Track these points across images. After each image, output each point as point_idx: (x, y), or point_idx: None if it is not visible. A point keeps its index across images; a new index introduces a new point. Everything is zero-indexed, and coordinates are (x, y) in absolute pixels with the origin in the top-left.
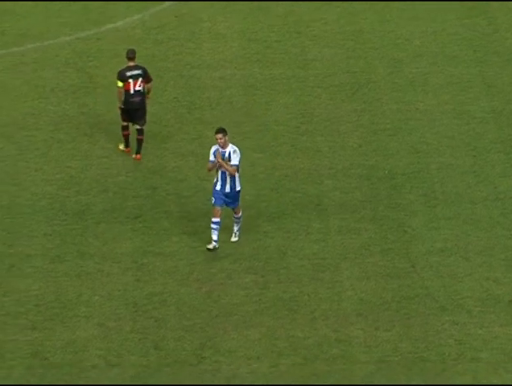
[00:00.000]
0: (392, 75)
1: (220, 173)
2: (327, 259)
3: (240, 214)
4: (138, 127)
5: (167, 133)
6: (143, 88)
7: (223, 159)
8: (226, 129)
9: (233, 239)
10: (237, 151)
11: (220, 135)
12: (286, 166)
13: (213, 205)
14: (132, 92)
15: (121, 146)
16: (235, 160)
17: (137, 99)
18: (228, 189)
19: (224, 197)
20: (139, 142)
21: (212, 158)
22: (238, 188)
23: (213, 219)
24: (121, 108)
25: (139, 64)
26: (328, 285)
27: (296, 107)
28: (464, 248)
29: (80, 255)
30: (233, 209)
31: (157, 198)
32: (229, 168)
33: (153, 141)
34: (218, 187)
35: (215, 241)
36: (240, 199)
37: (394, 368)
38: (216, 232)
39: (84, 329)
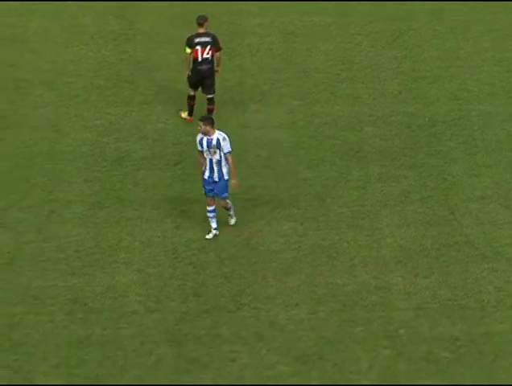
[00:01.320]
0: (433, 22)
1: (208, 160)
2: (366, 206)
3: (229, 205)
4: (208, 96)
5: None
6: (212, 56)
7: (210, 146)
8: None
9: (231, 221)
10: (227, 137)
11: (201, 123)
12: (326, 113)
13: (204, 195)
14: (200, 59)
15: (184, 114)
16: (226, 147)
17: (205, 67)
18: (216, 178)
19: (212, 186)
20: (210, 112)
21: (198, 147)
22: (226, 177)
23: (208, 208)
24: (188, 76)
25: (209, 32)
26: (367, 233)
27: (336, 54)
28: (504, 195)
29: (119, 201)
30: (220, 200)
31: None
32: (233, 170)
33: None
34: (206, 175)
35: (215, 229)
36: (228, 190)
37: (432, 315)
38: (214, 220)
39: (123, 275)
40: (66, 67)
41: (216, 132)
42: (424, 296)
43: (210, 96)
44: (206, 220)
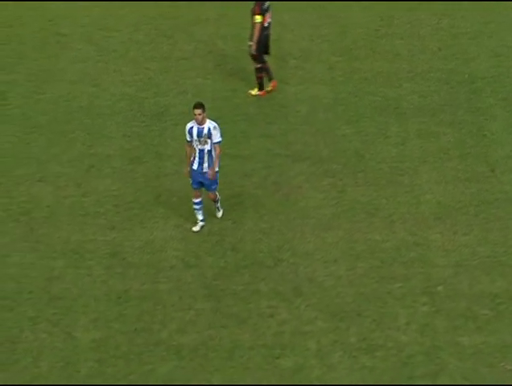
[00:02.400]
0: None
1: (198, 150)
2: (405, 162)
3: (217, 198)
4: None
5: (246, 35)
6: (269, 21)
7: (201, 136)
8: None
9: (219, 214)
10: (217, 126)
11: (199, 110)
12: (365, 69)
13: (192, 187)
14: (266, 24)
15: (255, 91)
16: (217, 137)
17: (268, 32)
18: (206, 168)
19: (200, 177)
20: (259, 80)
21: (187, 137)
22: (216, 169)
23: (194, 200)
24: (258, 46)
25: None
26: (406, 189)
27: (376, 10)
28: None
29: (158, 156)
30: (209, 192)
31: (236, 100)
32: (217, 160)
33: (231, 43)
34: (195, 166)
35: (201, 221)
36: (218, 181)
37: (471, 272)
38: (200, 212)
39: (162, 230)
40: (105, 22)
41: (207, 121)
42: (463, 253)
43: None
44: (245, 174)
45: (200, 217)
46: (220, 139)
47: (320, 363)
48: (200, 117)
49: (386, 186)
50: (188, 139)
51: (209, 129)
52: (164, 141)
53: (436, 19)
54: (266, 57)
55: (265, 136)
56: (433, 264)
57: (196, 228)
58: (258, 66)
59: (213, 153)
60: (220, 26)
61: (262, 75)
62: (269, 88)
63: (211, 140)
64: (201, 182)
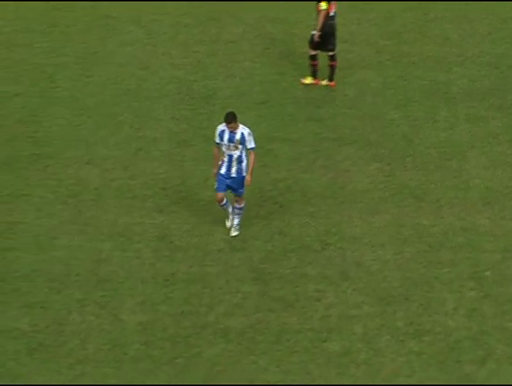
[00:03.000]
0: None
1: (226, 155)
2: (454, 147)
3: (242, 204)
4: (330, 53)
5: (295, 19)
6: (335, 12)
7: (232, 141)
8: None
9: (233, 233)
10: (251, 133)
11: (232, 124)
12: (414, 53)
13: (216, 191)
14: (332, 13)
15: (308, 80)
16: (251, 142)
17: (332, 22)
18: (234, 173)
19: (228, 182)
20: (333, 69)
21: (217, 139)
22: (244, 174)
23: (219, 203)
24: (316, 35)
25: None
26: (454, 174)
27: None
28: None
29: (206, 139)
30: (235, 196)
31: (284, 84)
32: (252, 167)
33: (280, 26)
34: (223, 171)
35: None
36: (245, 187)
37: None
38: (228, 208)
39: (209, 213)
40: (154, 5)
41: (240, 126)
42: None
43: (333, 53)
44: (293, 158)
45: (230, 210)
46: (254, 145)
47: (366, 347)
48: (233, 128)
49: (434, 170)
50: (217, 141)
51: (243, 135)
52: (212, 124)
53: (486, 3)
54: (317, 54)
55: (313, 119)
56: (481, 250)
57: (228, 224)
58: (313, 53)
59: (244, 158)
60: (268, 10)
61: (317, 63)
62: (312, 82)
63: (243, 146)
64: (228, 186)
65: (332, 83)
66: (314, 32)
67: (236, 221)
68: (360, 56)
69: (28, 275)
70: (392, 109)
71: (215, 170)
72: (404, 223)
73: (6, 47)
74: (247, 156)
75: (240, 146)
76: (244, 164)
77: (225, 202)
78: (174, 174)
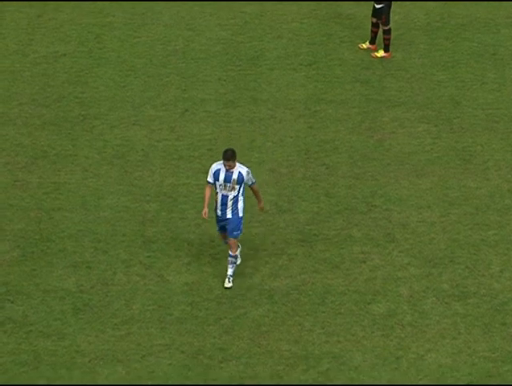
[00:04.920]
0: None
1: (220, 196)
2: (501, 109)
3: (236, 252)
4: (385, 28)
5: None
6: None
7: (229, 181)
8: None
9: (227, 285)
10: (250, 171)
11: (229, 162)
12: (462, 14)
13: (218, 232)
14: None
15: (380, 53)
16: (251, 179)
17: None
18: (229, 214)
19: (224, 223)
20: (386, 42)
21: (210, 179)
22: (241, 214)
23: (223, 241)
24: (389, 8)
25: None
26: (501, 136)
27: None
28: None
29: (253, 101)
30: (229, 241)
31: (331, 45)
32: (261, 197)
33: None
34: (219, 213)
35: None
36: (241, 229)
37: None
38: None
39: (256, 174)
40: None
41: (237, 165)
42: None
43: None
44: (339, 119)
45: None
46: (254, 180)
47: (411, 309)
48: (229, 168)
49: (481, 132)
50: (210, 181)
51: (240, 175)
52: (259, 85)
53: None
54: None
55: (360, 81)
56: None
57: (227, 285)
58: (387, 28)
59: (241, 198)
60: None
61: (390, 37)
62: (370, 47)
63: (240, 186)
64: (224, 227)
65: (387, 54)
66: (378, 5)
67: (229, 271)
68: (408, 18)
69: (74, 235)
70: (440, 71)
71: (205, 210)
72: (451, 186)
73: (53, 8)
74: (244, 195)
75: (237, 187)
76: (240, 204)
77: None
78: (220, 135)
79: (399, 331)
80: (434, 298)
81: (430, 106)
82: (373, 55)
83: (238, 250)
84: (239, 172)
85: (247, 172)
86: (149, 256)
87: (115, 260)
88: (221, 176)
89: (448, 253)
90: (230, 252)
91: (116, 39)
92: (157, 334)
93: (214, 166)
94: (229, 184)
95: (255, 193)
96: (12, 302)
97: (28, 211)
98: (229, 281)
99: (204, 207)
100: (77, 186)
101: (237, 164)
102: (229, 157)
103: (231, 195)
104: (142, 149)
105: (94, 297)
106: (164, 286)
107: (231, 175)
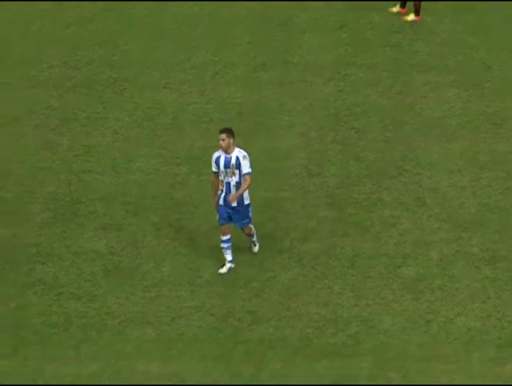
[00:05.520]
0: None
1: (225, 183)
2: None
3: (252, 231)
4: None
5: None
6: None
7: (228, 166)
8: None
9: (254, 249)
10: (247, 156)
11: (223, 135)
12: None
13: (219, 223)
14: None
15: (411, 16)
16: (246, 167)
17: None
18: (234, 203)
19: (229, 213)
20: (417, 6)
21: (214, 168)
22: (247, 202)
23: (222, 238)
24: None
25: None
26: None
27: None
28: None
29: (284, 63)
30: (241, 229)
31: (362, 8)
32: (243, 190)
33: None
34: (221, 201)
35: (229, 262)
36: (250, 217)
37: None
38: (228, 251)
39: (286, 138)
40: None
41: (236, 149)
42: None
43: None
44: (370, 83)
45: (229, 258)
46: (249, 170)
47: (441, 272)
48: (223, 143)
49: None
50: (215, 170)
51: (238, 159)
52: (289, 49)
53: None
54: None
55: (390, 45)
56: None
57: (222, 270)
58: None
59: (243, 185)
60: None
61: (421, 1)
62: (400, 10)
63: (239, 171)
64: (230, 217)
65: (418, 17)
66: None
67: (254, 238)
68: None
69: (104, 197)
70: (471, 35)
71: (214, 201)
72: (481, 150)
73: None
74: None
75: (237, 172)
76: (245, 192)
77: (227, 238)
78: (250, 98)
79: (429, 295)
80: (464, 262)
81: (461, 70)
82: (403, 18)
83: (253, 230)
84: (236, 156)
85: (244, 156)
86: (178, 219)
87: (145, 222)
88: (221, 163)
89: (478, 218)
90: (247, 236)
91: (146, 2)
92: (187, 296)
93: (214, 155)
94: (228, 169)
95: (243, 184)
96: (43, 264)
97: (58, 173)
98: (255, 245)
99: (213, 197)
100: (107, 148)
101: (237, 148)
102: (223, 130)
103: (233, 180)
104: (173, 112)
105: (124, 259)
106: (194, 249)
107: (230, 160)
